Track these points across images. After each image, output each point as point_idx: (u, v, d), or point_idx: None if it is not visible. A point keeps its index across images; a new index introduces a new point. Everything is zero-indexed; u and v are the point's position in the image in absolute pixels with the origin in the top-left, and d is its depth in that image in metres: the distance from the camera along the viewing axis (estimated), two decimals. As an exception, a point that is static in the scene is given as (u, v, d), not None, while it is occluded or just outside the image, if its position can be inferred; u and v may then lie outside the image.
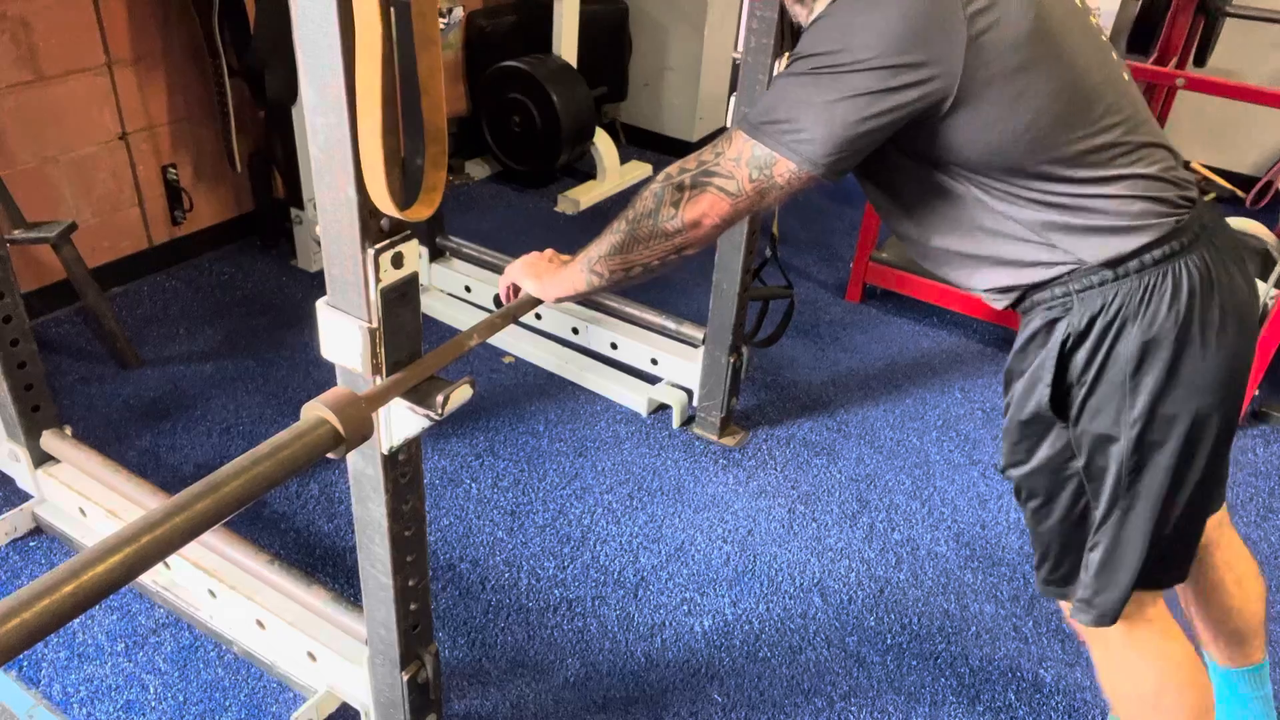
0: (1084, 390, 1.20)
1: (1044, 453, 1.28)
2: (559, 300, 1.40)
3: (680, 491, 2.29)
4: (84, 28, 2.61)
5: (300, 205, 3.03)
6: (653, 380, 2.61)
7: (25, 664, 1.77)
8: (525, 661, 1.85)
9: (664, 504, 2.25)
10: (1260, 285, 2.86)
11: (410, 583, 1.38)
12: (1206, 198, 3.94)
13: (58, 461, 2.00)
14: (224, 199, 3.17)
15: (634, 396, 2.55)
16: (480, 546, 2.10)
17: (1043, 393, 1.23)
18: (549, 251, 1.45)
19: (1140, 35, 3.61)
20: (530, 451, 2.39)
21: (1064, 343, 1.20)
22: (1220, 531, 1.53)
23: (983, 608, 2.02)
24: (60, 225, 2.45)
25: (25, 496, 2.07)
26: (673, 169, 1.21)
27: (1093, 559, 1.29)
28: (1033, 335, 1.25)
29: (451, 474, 2.30)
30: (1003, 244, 1.22)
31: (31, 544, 2.03)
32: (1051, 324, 1.22)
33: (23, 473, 2.03)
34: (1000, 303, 1.30)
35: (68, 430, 1.99)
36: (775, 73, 1.14)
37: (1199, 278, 1.15)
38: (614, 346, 2.68)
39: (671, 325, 2.57)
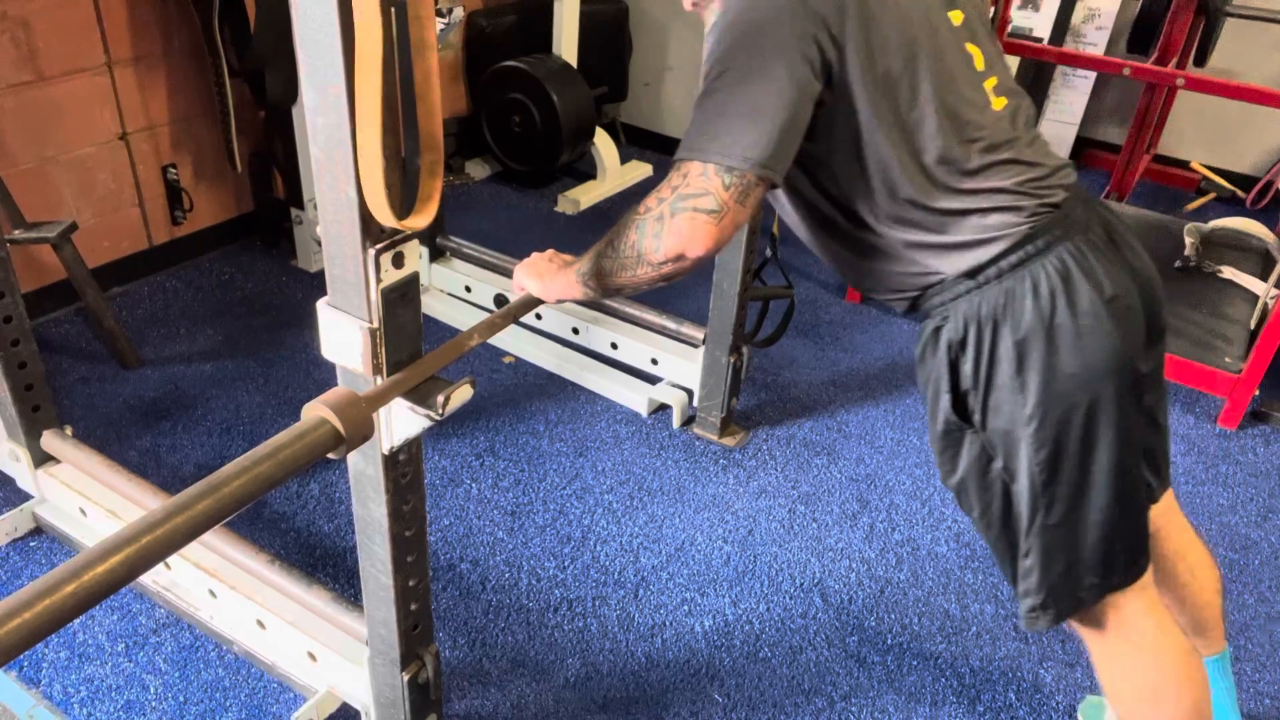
0: (980, 394, 1.26)
1: (965, 460, 1.33)
2: (560, 301, 1.41)
3: (680, 491, 2.29)
4: (84, 28, 2.61)
5: (300, 205, 3.03)
6: (653, 380, 2.61)
7: (25, 664, 1.77)
8: (526, 661, 1.85)
9: (664, 504, 2.25)
10: (1260, 285, 2.87)
11: (411, 583, 1.38)
12: (1204, 198, 3.96)
13: (58, 461, 2.00)
14: (224, 199, 3.17)
15: (634, 396, 2.55)
16: (480, 546, 2.10)
17: (945, 401, 1.30)
18: (550, 252, 1.45)
19: (1140, 35, 3.61)
20: (530, 451, 2.39)
21: (949, 350, 1.27)
22: (1167, 519, 1.54)
23: (983, 608, 2.02)
24: (60, 225, 2.45)
25: (25, 496, 2.07)
26: (650, 201, 1.17)
27: (1027, 565, 1.32)
28: (925, 344, 1.32)
29: (452, 474, 2.30)
30: (873, 259, 1.29)
31: (32, 544, 2.03)
32: (937, 331, 1.28)
33: (23, 473, 2.03)
34: (899, 308, 1.36)
35: (68, 430, 1.99)
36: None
37: (1058, 276, 1.20)
38: (614, 346, 2.68)
39: (671, 325, 2.58)
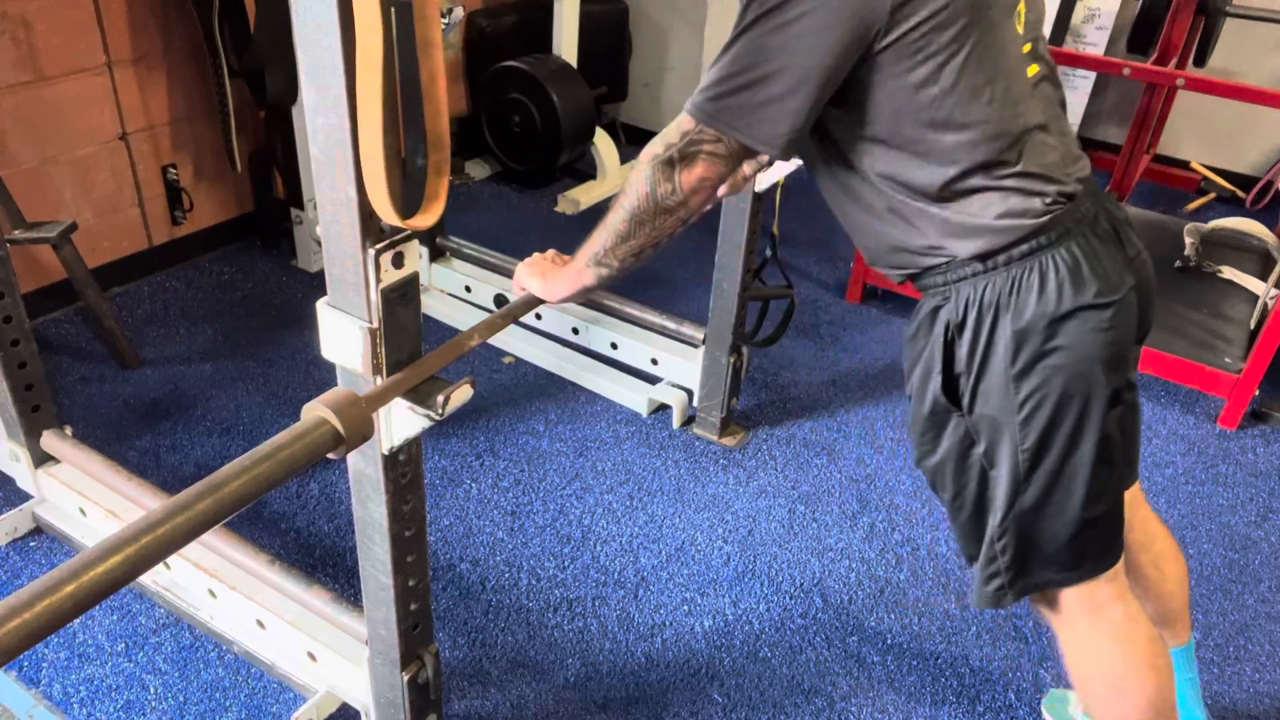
0: (972, 379, 1.25)
1: (947, 442, 1.32)
2: (563, 300, 1.40)
3: (680, 491, 2.29)
4: (84, 28, 2.61)
5: (300, 205, 3.03)
6: (653, 380, 2.61)
7: (25, 664, 1.77)
8: (526, 661, 1.85)
9: (664, 504, 2.25)
10: (1260, 285, 2.87)
11: (410, 583, 1.38)
12: (1204, 198, 3.96)
13: (58, 461, 2.00)
14: (224, 199, 3.17)
15: (634, 396, 2.55)
16: (480, 546, 2.10)
17: (936, 383, 1.28)
18: (551, 252, 1.45)
19: (1140, 35, 3.61)
20: (530, 451, 2.39)
21: (946, 331, 1.25)
22: (1133, 511, 1.53)
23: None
24: (60, 225, 2.45)
25: (25, 496, 2.07)
26: (656, 148, 1.19)
27: (999, 546, 1.33)
28: (920, 322, 1.30)
29: (452, 474, 2.30)
30: (888, 226, 1.25)
31: (32, 544, 2.03)
32: (935, 311, 1.27)
33: (23, 473, 2.03)
34: (896, 277, 1.32)
35: (68, 430, 1.99)
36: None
37: (1067, 270, 1.18)
38: (614, 346, 2.68)
39: (671, 325, 2.57)
